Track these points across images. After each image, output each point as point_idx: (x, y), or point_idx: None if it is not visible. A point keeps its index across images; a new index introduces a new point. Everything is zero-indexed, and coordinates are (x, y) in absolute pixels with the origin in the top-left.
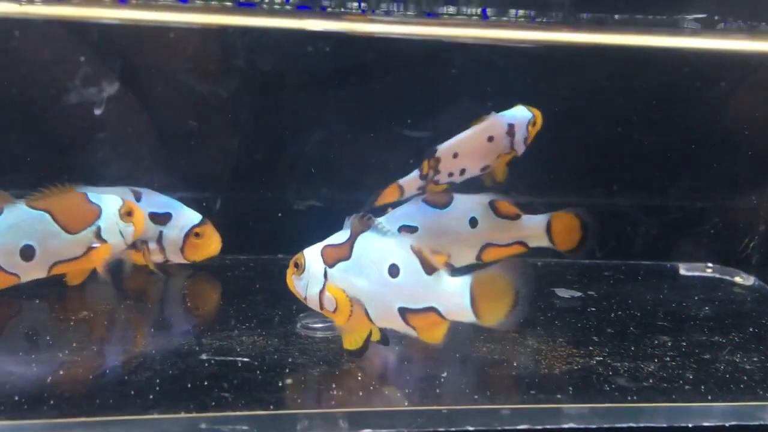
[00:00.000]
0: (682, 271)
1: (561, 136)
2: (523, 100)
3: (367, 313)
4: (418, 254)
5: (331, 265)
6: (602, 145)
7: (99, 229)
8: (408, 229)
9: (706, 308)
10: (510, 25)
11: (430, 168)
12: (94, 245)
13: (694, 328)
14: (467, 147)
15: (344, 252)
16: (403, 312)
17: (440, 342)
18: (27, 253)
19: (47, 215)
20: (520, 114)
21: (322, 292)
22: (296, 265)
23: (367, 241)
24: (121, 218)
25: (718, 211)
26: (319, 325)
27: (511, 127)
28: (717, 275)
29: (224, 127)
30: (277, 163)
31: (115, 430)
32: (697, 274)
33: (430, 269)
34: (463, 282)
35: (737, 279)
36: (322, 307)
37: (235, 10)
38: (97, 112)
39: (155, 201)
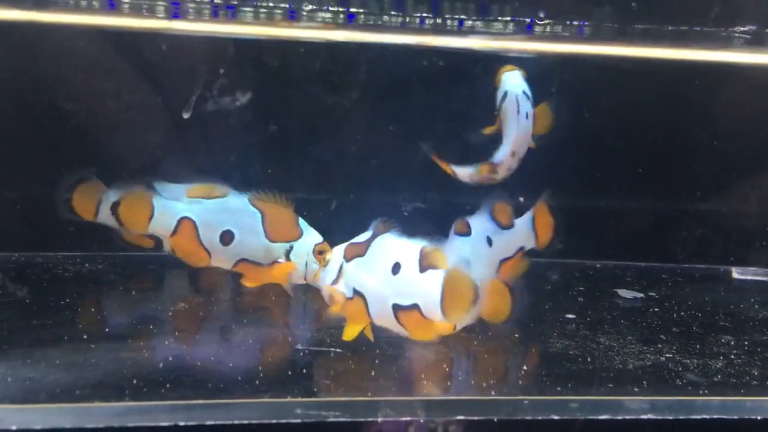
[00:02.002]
0: (735, 275)
1: (613, 143)
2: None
3: (367, 308)
4: (421, 253)
5: (348, 261)
6: (654, 150)
7: (291, 248)
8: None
9: (764, 310)
10: (563, 38)
11: (487, 173)
12: (280, 260)
13: (755, 328)
14: (520, 140)
15: (362, 249)
16: (396, 309)
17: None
18: (226, 238)
19: (259, 215)
20: (518, 77)
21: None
22: (324, 259)
23: (383, 241)
24: (313, 253)
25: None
26: None
27: (525, 92)
28: None
29: (341, 135)
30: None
31: (225, 411)
32: (749, 277)
33: (424, 267)
34: (437, 279)
35: None
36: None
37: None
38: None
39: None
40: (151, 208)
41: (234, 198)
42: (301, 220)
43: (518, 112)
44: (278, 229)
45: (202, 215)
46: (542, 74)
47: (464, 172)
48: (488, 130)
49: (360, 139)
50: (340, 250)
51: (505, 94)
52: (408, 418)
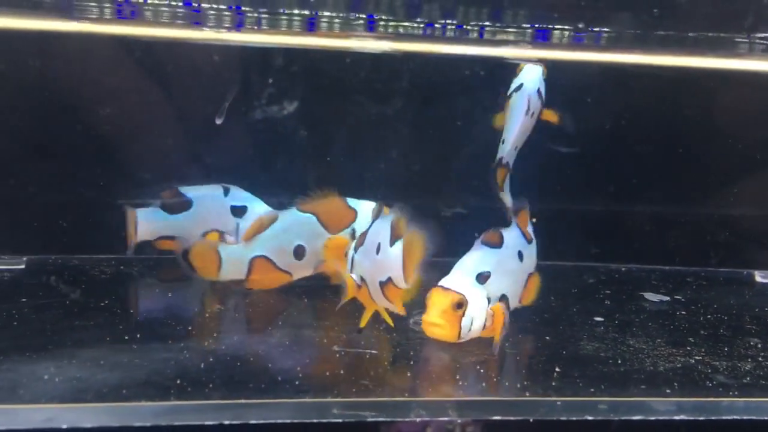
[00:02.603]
0: (759, 278)
1: (642, 149)
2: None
3: (369, 292)
4: (391, 228)
5: (356, 251)
6: (679, 156)
7: (354, 231)
8: (484, 276)
9: None
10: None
11: (506, 174)
12: None
13: None
14: (521, 135)
15: (363, 238)
16: (381, 286)
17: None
18: (299, 252)
19: (313, 217)
20: (536, 74)
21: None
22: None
23: (373, 227)
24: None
25: None
26: None
27: (539, 91)
28: None
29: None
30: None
31: (265, 411)
32: None
33: (393, 240)
34: (397, 247)
35: None
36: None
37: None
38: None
39: (238, 196)
40: (219, 259)
41: (285, 215)
42: (349, 200)
43: (528, 108)
44: (334, 220)
45: (268, 247)
46: (579, 81)
47: (508, 198)
48: (498, 120)
49: (401, 145)
50: (352, 242)
51: (520, 87)
52: (426, 419)
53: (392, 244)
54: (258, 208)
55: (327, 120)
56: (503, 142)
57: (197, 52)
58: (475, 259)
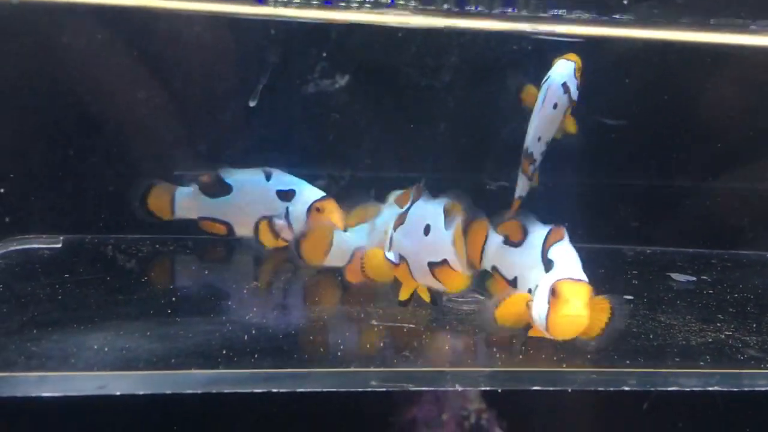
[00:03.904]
0: None
1: (670, 129)
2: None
3: (410, 270)
4: (445, 211)
5: (395, 230)
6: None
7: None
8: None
9: None
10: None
11: (530, 164)
12: None
13: None
14: (544, 126)
15: (403, 218)
16: (431, 266)
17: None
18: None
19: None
20: (566, 68)
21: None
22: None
23: (416, 208)
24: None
25: None
26: (462, 299)
27: (564, 85)
28: None
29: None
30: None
31: (310, 380)
32: None
33: (449, 224)
34: (451, 230)
35: None
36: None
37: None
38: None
39: (283, 180)
40: (330, 244)
41: (387, 209)
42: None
43: (551, 100)
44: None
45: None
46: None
47: (523, 186)
48: (525, 100)
49: (446, 120)
50: (392, 221)
51: (547, 78)
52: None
53: (447, 227)
54: (307, 191)
55: (370, 96)
56: (527, 135)
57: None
58: (569, 250)
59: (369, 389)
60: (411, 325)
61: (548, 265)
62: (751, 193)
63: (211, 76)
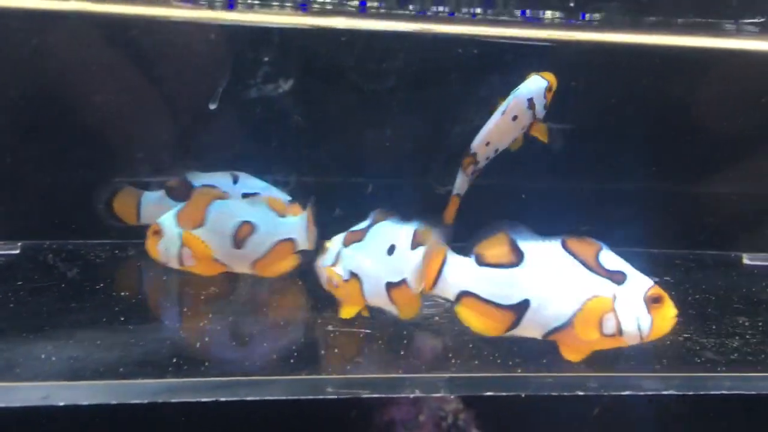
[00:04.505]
0: (746, 261)
1: (626, 130)
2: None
3: (362, 289)
4: (415, 234)
5: (347, 246)
6: (669, 137)
7: None
8: None
9: None
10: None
11: (470, 164)
12: None
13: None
14: (495, 133)
15: (360, 235)
16: (388, 287)
17: (414, 316)
18: None
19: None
20: (536, 85)
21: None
22: (325, 248)
23: (381, 227)
24: None
25: None
26: (423, 303)
27: (530, 101)
28: None
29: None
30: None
31: (261, 389)
32: (759, 263)
33: (415, 245)
34: (418, 252)
35: None
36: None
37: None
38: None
39: (249, 184)
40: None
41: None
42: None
43: (510, 111)
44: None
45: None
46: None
47: (461, 183)
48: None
49: (393, 125)
50: (339, 237)
51: (516, 90)
52: (419, 406)
53: (414, 248)
54: (272, 194)
55: (319, 100)
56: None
57: (189, 32)
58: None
59: (322, 397)
60: (367, 331)
61: (618, 276)
62: (717, 195)
63: (167, 80)
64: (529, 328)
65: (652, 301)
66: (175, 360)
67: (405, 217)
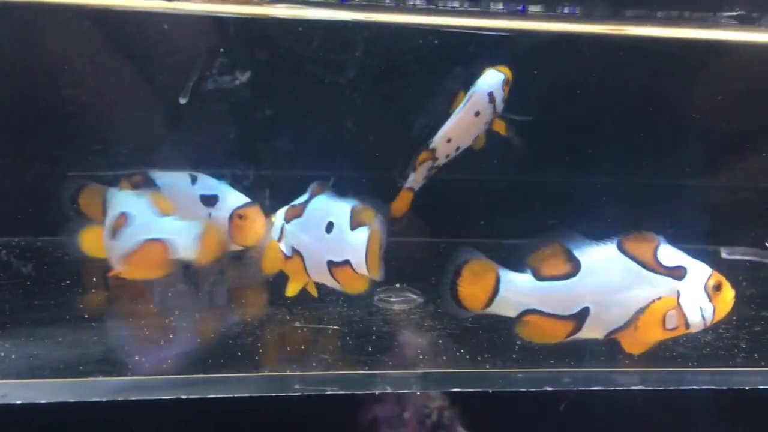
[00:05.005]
0: (724, 255)
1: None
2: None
3: (304, 266)
4: (352, 213)
5: (288, 222)
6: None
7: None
8: None
9: (751, 287)
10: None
11: (427, 160)
12: None
13: (742, 304)
14: (458, 129)
15: (299, 211)
16: (330, 265)
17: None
18: None
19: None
20: (493, 79)
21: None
22: (270, 222)
23: (318, 203)
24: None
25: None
26: (395, 299)
27: (491, 95)
28: (756, 258)
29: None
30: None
31: (226, 386)
32: (737, 257)
33: (355, 225)
34: (363, 236)
35: None
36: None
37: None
38: None
39: (208, 184)
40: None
41: None
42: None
43: (471, 107)
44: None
45: None
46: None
47: (414, 177)
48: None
49: (356, 117)
50: (282, 211)
51: (474, 85)
52: (403, 403)
53: (354, 228)
54: (230, 197)
55: (281, 91)
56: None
57: (157, 23)
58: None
59: (288, 394)
60: (335, 327)
61: (677, 271)
62: (694, 187)
63: (134, 73)
64: (590, 332)
65: (714, 289)
66: (136, 358)
67: (341, 192)
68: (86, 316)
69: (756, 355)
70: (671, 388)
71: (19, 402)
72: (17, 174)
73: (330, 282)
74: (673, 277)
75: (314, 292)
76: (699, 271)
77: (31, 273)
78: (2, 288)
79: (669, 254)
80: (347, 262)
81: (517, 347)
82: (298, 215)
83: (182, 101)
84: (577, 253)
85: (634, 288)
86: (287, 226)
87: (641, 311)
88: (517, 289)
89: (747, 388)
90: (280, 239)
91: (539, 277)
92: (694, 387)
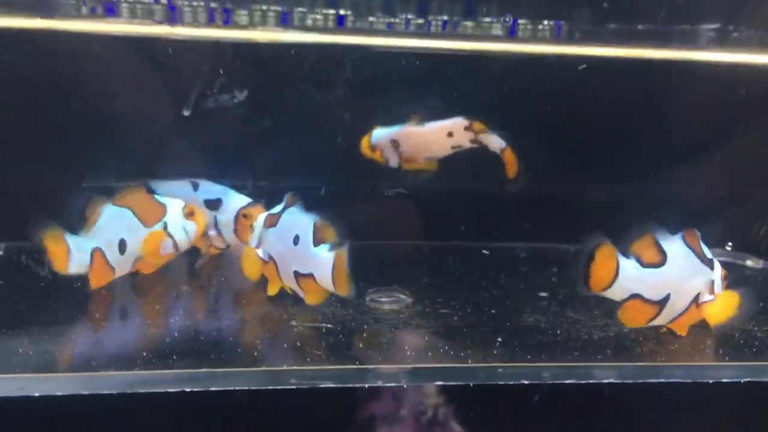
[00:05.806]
0: None
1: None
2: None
3: (278, 271)
4: (315, 228)
5: (266, 229)
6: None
7: (166, 225)
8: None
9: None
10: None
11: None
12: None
13: None
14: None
15: (275, 220)
16: (296, 275)
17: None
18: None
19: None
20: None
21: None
22: (251, 226)
23: (289, 214)
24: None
25: (736, 201)
26: (385, 299)
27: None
28: (730, 259)
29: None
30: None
31: (227, 379)
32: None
33: (317, 242)
34: (329, 255)
35: (748, 262)
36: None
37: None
38: None
39: (210, 189)
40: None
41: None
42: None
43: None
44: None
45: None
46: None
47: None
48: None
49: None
50: (261, 219)
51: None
52: (399, 400)
53: (316, 244)
54: (234, 199)
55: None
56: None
57: (163, 44)
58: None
59: (287, 387)
60: (329, 326)
61: (711, 263)
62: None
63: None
64: (661, 319)
65: (725, 281)
66: (144, 354)
67: (307, 206)
68: (98, 316)
69: (721, 351)
70: (639, 381)
71: (37, 394)
72: (32, 179)
73: (297, 289)
74: (709, 268)
75: (290, 291)
76: (718, 265)
77: (48, 275)
78: (20, 289)
79: (705, 247)
80: (311, 275)
81: (498, 344)
82: (274, 224)
83: (185, 113)
84: (663, 244)
85: (695, 278)
86: (264, 233)
87: (711, 301)
88: (631, 275)
89: (710, 381)
90: (259, 245)
91: (643, 265)
92: (662, 380)
